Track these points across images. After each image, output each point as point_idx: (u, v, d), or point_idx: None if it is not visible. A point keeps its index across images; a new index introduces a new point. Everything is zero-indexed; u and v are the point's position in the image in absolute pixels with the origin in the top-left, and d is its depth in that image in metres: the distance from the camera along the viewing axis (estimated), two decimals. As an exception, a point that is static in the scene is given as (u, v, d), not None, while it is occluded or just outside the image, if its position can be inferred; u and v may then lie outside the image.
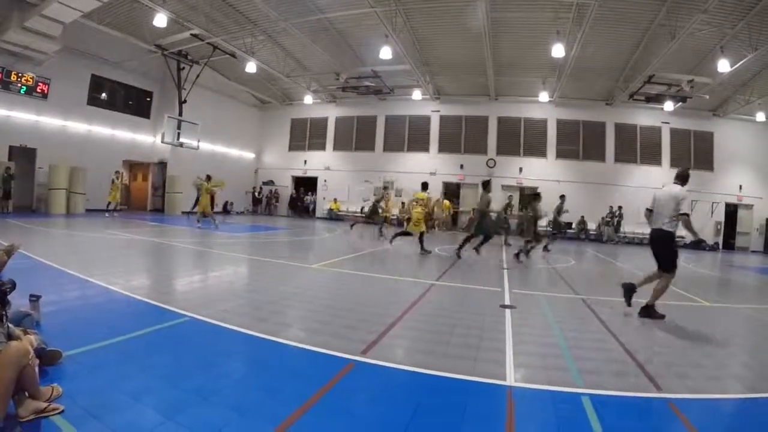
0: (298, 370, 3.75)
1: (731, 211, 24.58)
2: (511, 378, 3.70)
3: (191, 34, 19.61)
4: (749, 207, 24.45)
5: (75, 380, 3.14)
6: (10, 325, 3.09)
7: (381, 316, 5.52)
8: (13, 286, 3.74)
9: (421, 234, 12.63)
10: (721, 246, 24.15)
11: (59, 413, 2.65)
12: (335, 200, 29.45)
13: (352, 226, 17.40)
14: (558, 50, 16.93)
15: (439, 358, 4.13)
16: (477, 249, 11.91)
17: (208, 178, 17.39)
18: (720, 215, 24.32)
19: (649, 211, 6.51)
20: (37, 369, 2.77)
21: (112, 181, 19.95)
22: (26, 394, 2.63)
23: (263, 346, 4.25)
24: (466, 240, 12.13)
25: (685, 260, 16.82)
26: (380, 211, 18.41)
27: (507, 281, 8.66)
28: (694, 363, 4.47)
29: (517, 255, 12.37)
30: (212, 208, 21.84)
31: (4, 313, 3.05)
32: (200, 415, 2.82)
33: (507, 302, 6.68)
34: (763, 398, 3.64)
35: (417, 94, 26.03)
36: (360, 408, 3.10)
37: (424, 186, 13.33)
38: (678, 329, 5.92)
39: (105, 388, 3.08)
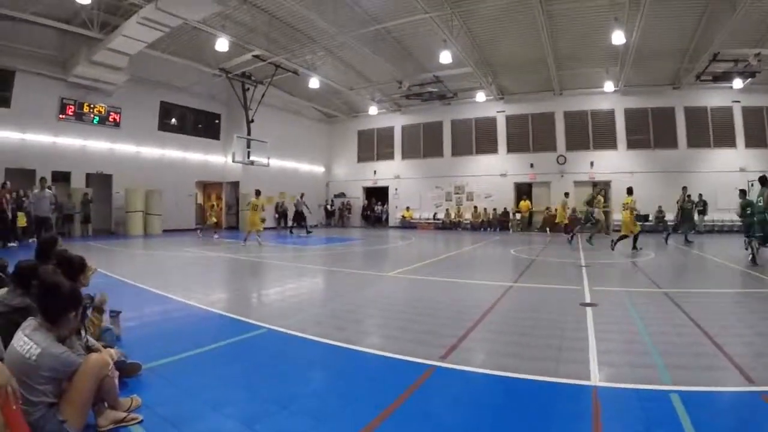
0: (378, 377, 3.64)
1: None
2: (596, 377, 3.52)
3: (253, 56, 20.25)
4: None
5: (154, 391, 3.15)
6: (90, 338, 3.14)
7: (460, 320, 5.32)
8: (92, 301, 3.84)
9: (636, 234, 13.09)
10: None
11: (138, 423, 2.66)
12: (407, 208, 29.44)
13: (571, 238, 16.14)
14: (618, 37, 16.14)
15: (521, 360, 3.97)
16: (753, 258, 10.38)
17: (258, 193, 17.19)
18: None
19: None
20: (116, 381, 2.77)
21: (212, 206, 22.57)
22: (106, 404, 2.63)
23: (342, 354, 4.15)
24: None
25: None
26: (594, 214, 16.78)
27: (586, 279, 8.26)
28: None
29: (752, 259, 10.65)
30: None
31: (83, 326, 3.10)
32: (279, 423, 2.76)
33: (587, 300, 6.36)
34: None
35: (481, 96, 25.53)
36: (441, 413, 3.00)
37: (629, 191, 13.43)
38: None
39: (184, 399, 3.06)
